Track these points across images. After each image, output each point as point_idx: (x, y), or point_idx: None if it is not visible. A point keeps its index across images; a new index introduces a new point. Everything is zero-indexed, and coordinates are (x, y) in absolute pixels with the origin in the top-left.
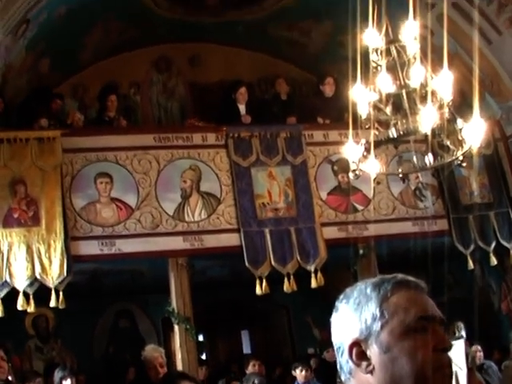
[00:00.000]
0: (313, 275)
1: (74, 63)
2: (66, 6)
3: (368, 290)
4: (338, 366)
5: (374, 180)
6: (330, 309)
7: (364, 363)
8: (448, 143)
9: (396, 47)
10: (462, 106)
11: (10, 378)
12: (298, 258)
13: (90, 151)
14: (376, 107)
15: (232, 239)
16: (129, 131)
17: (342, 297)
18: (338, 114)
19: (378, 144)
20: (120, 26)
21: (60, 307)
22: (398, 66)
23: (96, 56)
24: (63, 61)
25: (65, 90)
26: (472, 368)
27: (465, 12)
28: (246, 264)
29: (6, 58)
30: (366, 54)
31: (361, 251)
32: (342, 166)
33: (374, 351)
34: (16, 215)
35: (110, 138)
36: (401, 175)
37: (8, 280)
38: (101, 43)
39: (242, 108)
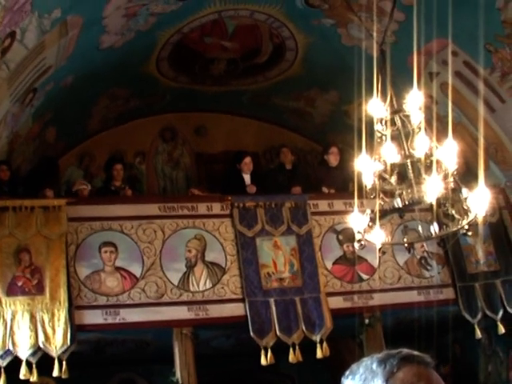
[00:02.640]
0: (318, 345)
1: (80, 132)
2: (72, 76)
3: (374, 366)
4: None
5: (380, 250)
6: (335, 379)
7: None
8: (453, 212)
9: (400, 117)
10: (466, 174)
11: None
12: (304, 328)
13: (95, 220)
14: (381, 177)
15: (237, 309)
16: (134, 201)
17: (347, 373)
18: (342, 184)
19: (383, 214)
20: (126, 96)
21: (63, 377)
22: (402, 136)
23: (102, 125)
24: (69, 130)
25: (71, 159)
26: None
27: (468, 80)
28: (251, 334)
29: (13, 126)
30: (370, 124)
31: (366, 321)
32: (347, 236)
33: None
34: (20, 283)
35: (115, 208)
36: (406, 245)
37: (11, 349)
38: (107, 112)
39: (247, 178)
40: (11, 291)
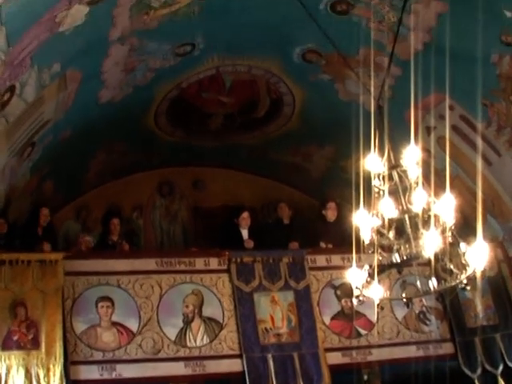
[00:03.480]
0: None
1: (77, 186)
2: (70, 130)
3: None
4: None
5: (378, 305)
6: None
7: None
8: (451, 267)
9: (398, 172)
10: (463, 227)
11: None
12: None
13: (92, 274)
14: (379, 232)
15: (234, 365)
16: (131, 255)
17: None
18: (340, 239)
19: (381, 269)
20: (123, 150)
21: None
22: (400, 191)
23: (99, 179)
24: (67, 183)
25: (68, 212)
26: None
27: (464, 134)
28: None
29: (10, 180)
30: (368, 179)
31: (365, 376)
32: (345, 291)
33: None
34: (15, 338)
35: (113, 262)
36: (405, 300)
37: None
38: (104, 166)
39: (245, 233)
40: (6, 345)
